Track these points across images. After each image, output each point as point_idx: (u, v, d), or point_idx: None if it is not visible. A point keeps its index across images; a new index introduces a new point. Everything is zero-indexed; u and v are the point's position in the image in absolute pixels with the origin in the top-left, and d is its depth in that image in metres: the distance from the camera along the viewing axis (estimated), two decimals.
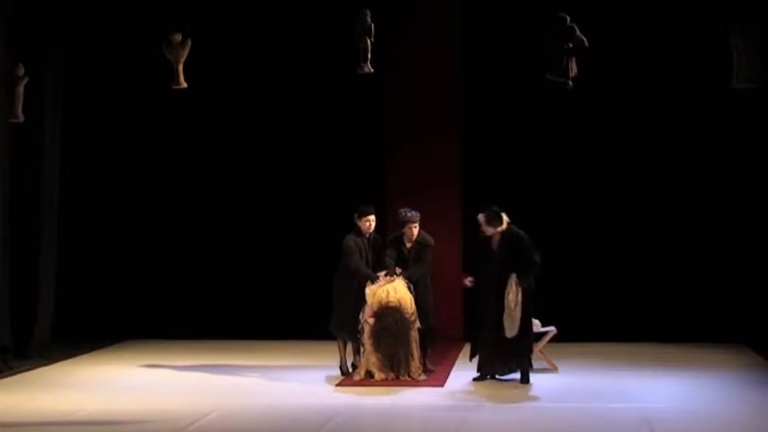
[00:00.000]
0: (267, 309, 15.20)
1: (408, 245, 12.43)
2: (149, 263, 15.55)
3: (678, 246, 14.79)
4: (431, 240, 12.49)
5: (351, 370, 12.51)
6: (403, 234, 12.42)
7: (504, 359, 11.94)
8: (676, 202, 14.83)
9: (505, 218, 11.93)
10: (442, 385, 12.05)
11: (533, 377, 12.02)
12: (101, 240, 15.50)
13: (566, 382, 11.95)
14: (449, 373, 12.62)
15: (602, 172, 14.89)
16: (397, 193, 14.61)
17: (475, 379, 12.06)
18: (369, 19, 13.04)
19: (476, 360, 12.16)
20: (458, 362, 13.28)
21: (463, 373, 12.69)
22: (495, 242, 11.93)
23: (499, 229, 11.91)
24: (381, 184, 14.87)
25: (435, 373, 12.51)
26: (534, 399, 11.40)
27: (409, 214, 12.35)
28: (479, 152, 15.10)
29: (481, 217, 11.94)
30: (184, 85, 13.37)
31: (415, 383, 11.97)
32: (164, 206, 15.57)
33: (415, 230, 12.35)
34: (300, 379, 12.43)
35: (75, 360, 13.80)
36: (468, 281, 12.02)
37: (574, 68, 12.74)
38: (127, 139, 15.51)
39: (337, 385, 12.04)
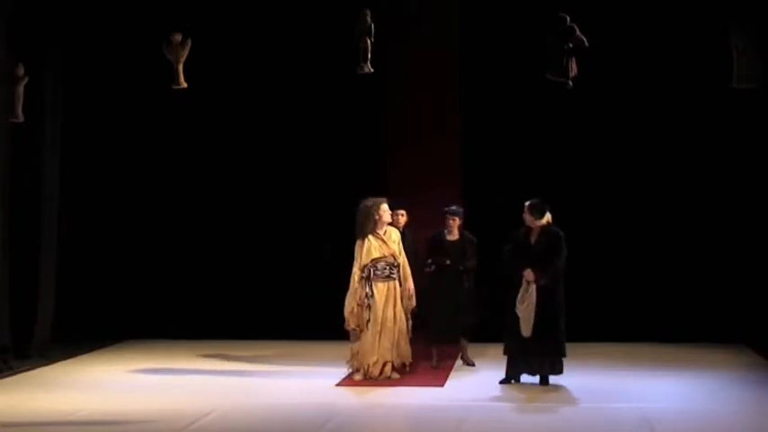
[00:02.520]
0: (267, 308, 15.20)
1: (450, 237, 12.81)
2: (149, 263, 15.55)
3: (678, 246, 14.79)
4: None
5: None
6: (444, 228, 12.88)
7: (528, 359, 11.85)
8: (676, 202, 14.84)
9: (548, 215, 11.94)
10: (442, 385, 12.05)
11: (531, 378, 12.02)
12: (101, 240, 15.50)
13: (566, 382, 11.93)
14: (449, 374, 12.63)
15: (603, 172, 14.89)
16: (397, 192, 14.58)
17: (501, 382, 11.94)
18: (369, 19, 13.03)
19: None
20: (458, 362, 13.28)
21: (463, 373, 12.71)
22: (534, 237, 11.90)
23: (538, 223, 11.89)
24: (381, 184, 14.83)
25: (436, 374, 12.52)
26: (534, 399, 11.40)
27: (452, 207, 12.88)
28: (479, 152, 15.10)
29: (527, 204, 11.94)
30: (184, 85, 13.37)
31: (415, 383, 11.99)
32: (164, 206, 15.57)
33: (453, 223, 12.81)
34: (301, 378, 12.43)
35: (75, 360, 13.80)
36: (528, 274, 11.72)
37: (574, 68, 12.74)
38: (127, 140, 15.51)
39: (337, 385, 12.05)
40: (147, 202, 15.58)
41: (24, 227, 14.07)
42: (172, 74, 13.37)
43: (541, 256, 11.76)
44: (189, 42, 13.30)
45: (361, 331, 12.20)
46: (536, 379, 11.94)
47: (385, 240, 12.27)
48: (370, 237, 12.23)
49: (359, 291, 12.18)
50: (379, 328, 12.11)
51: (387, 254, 12.23)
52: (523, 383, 11.95)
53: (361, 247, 12.24)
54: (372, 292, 12.15)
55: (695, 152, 14.78)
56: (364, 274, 12.20)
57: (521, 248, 11.88)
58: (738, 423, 10.33)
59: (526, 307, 11.66)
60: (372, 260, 12.20)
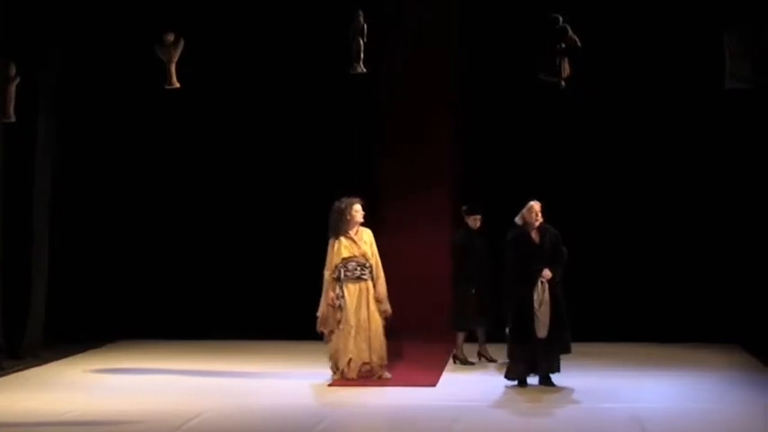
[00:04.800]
0: (259, 309, 15.18)
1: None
2: (141, 263, 15.54)
3: (671, 246, 14.80)
4: None
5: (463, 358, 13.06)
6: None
7: (541, 360, 11.78)
8: (669, 202, 14.84)
9: None
10: (434, 385, 12.05)
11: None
12: (93, 241, 15.47)
13: (557, 382, 11.92)
14: (441, 373, 12.62)
15: (596, 172, 14.88)
16: (389, 192, 14.64)
17: (520, 384, 11.83)
18: (362, 19, 13.02)
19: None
20: (449, 362, 13.28)
21: (455, 373, 12.71)
22: (535, 237, 11.85)
23: (538, 221, 11.90)
24: (374, 185, 14.84)
25: (428, 373, 12.52)
26: (525, 398, 11.40)
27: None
28: (473, 152, 15.09)
29: (539, 205, 11.88)
30: (177, 84, 13.33)
31: (407, 383, 11.99)
32: (156, 207, 15.55)
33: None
34: (293, 379, 12.43)
35: (66, 360, 13.78)
36: (546, 274, 11.70)
37: (566, 69, 12.74)
38: (120, 139, 15.49)
39: (330, 385, 12.05)
40: (139, 202, 15.56)
41: (16, 227, 14.04)
42: (164, 74, 13.34)
43: (550, 255, 11.76)
44: (181, 42, 13.26)
45: (331, 332, 12.22)
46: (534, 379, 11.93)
47: (356, 241, 12.27)
48: (341, 237, 12.25)
49: (329, 292, 12.20)
50: (352, 330, 12.11)
51: (357, 254, 12.24)
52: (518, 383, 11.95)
53: (333, 247, 12.27)
54: (343, 293, 12.16)
55: (687, 152, 14.79)
56: (335, 275, 12.22)
57: (530, 250, 11.79)
58: (729, 422, 10.34)
59: (545, 309, 11.65)
60: (343, 260, 12.20)
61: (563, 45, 12.70)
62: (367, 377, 12.12)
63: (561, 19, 12.71)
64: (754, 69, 12.64)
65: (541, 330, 11.61)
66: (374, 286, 12.26)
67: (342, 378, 12.16)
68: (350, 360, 12.12)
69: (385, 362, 12.27)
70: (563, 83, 12.79)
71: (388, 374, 12.22)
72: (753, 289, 14.50)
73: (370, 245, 12.33)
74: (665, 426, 10.20)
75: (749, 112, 14.39)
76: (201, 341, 14.81)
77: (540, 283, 11.65)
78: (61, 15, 14.30)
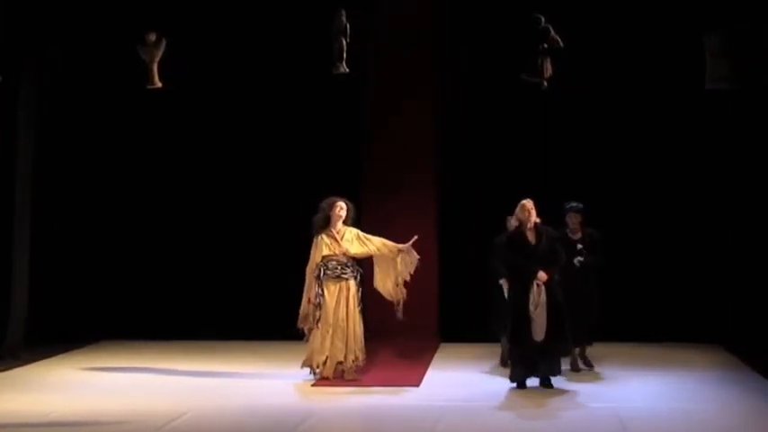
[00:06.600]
0: (243, 309, 15.18)
1: (573, 236, 12.76)
2: (124, 264, 15.52)
3: (654, 247, 14.84)
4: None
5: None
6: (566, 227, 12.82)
7: (541, 362, 11.74)
8: (652, 204, 14.88)
9: None
10: (418, 385, 12.06)
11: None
12: (75, 241, 15.43)
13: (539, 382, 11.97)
14: (424, 373, 12.63)
15: (578, 172, 14.89)
16: (372, 192, 14.63)
17: (518, 387, 11.77)
18: (344, 18, 13.01)
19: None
20: (433, 362, 13.31)
21: (439, 373, 12.72)
22: (531, 237, 11.79)
23: (533, 220, 11.84)
24: (358, 185, 14.84)
25: (412, 373, 12.52)
26: (508, 399, 11.42)
27: (573, 204, 12.79)
28: (457, 152, 15.11)
29: (531, 203, 11.83)
30: (159, 84, 13.30)
31: (390, 382, 11.99)
32: (139, 207, 15.54)
33: (576, 220, 12.77)
34: (276, 379, 12.43)
35: (49, 361, 13.74)
36: (542, 276, 11.63)
37: (548, 69, 12.77)
38: (103, 141, 15.46)
39: (313, 385, 12.05)
40: (121, 202, 15.55)
41: None
42: (147, 74, 13.32)
43: (546, 256, 11.71)
44: (163, 42, 13.24)
45: (311, 330, 12.23)
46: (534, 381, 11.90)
47: (337, 239, 12.26)
48: (323, 235, 12.27)
49: (311, 289, 12.21)
50: (330, 329, 12.11)
51: (338, 252, 12.23)
52: (500, 383, 11.96)
53: (315, 245, 12.29)
54: (322, 291, 12.17)
55: (669, 153, 14.85)
56: (315, 273, 12.23)
57: (526, 251, 11.74)
58: (711, 422, 10.38)
59: (541, 311, 11.62)
60: (323, 258, 12.21)
61: (545, 45, 12.72)
62: (341, 377, 12.13)
63: (543, 19, 12.74)
64: (734, 70, 12.70)
65: (538, 333, 11.56)
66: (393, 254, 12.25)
67: (318, 377, 12.16)
68: (326, 359, 12.12)
69: (360, 362, 12.25)
70: (545, 83, 12.82)
71: (358, 376, 12.21)
72: (735, 290, 14.56)
73: (355, 239, 12.26)
74: (647, 425, 10.23)
75: (728, 112, 14.44)
76: (184, 341, 14.79)
77: (535, 286, 11.61)
78: (43, 15, 14.25)
